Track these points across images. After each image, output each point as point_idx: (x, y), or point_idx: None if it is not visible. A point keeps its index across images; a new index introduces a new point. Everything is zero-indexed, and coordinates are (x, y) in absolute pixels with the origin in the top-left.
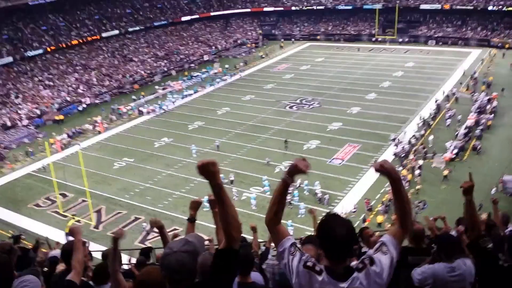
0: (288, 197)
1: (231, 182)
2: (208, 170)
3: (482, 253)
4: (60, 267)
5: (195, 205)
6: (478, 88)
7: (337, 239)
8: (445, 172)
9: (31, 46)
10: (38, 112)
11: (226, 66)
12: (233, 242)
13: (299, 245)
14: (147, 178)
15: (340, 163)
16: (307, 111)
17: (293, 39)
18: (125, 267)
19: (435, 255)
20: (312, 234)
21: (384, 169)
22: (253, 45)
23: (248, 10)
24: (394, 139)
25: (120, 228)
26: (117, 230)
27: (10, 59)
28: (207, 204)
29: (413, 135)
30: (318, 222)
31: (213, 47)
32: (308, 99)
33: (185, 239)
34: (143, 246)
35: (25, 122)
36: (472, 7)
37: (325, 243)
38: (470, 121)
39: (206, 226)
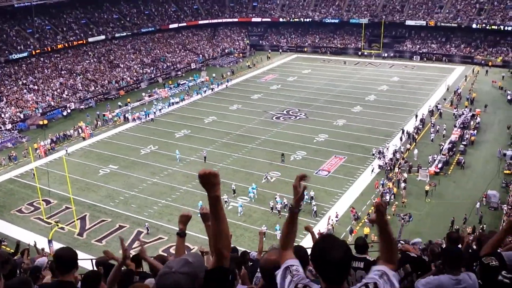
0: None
1: (234, 191)
2: (209, 181)
3: (486, 270)
4: (47, 275)
5: (185, 219)
6: (461, 104)
7: (332, 262)
8: (427, 187)
9: (15, 48)
10: (22, 116)
11: (213, 75)
12: (223, 260)
13: (295, 267)
14: (132, 186)
15: (326, 175)
16: (294, 122)
17: (280, 50)
18: None
19: (440, 267)
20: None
21: (380, 213)
22: (241, 54)
23: (236, 20)
24: (374, 154)
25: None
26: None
27: None
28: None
29: (398, 149)
30: (312, 247)
31: (200, 55)
32: (294, 110)
33: (185, 259)
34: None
35: (9, 126)
36: (456, 25)
37: (321, 267)
38: (454, 136)
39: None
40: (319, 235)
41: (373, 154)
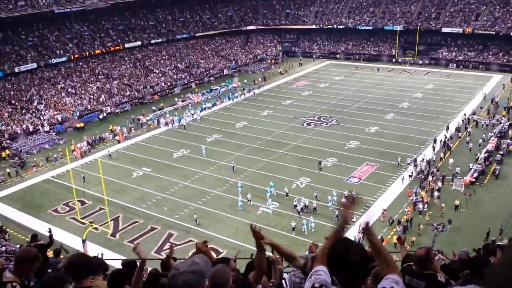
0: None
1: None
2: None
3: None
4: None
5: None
6: (498, 113)
7: (351, 263)
8: (457, 202)
9: (55, 53)
10: (60, 118)
11: (245, 81)
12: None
13: (319, 272)
14: (164, 189)
15: (357, 182)
16: (325, 128)
17: (313, 56)
18: None
19: (467, 277)
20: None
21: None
22: (273, 61)
23: (269, 27)
24: (409, 163)
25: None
26: (141, 253)
27: (34, 65)
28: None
29: (432, 157)
30: (330, 250)
31: (233, 61)
32: (326, 117)
33: (191, 260)
34: (160, 256)
35: (47, 128)
36: (494, 32)
37: (338, 269)
38: (490, 145)
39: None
40: (336, 239)
41: (408, 164)
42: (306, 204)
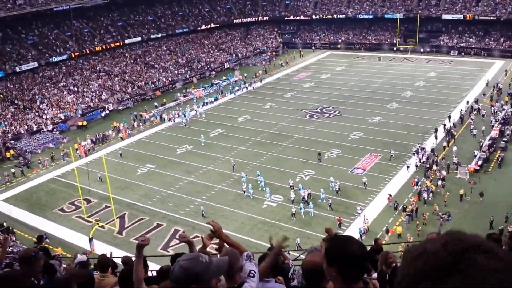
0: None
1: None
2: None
3: None
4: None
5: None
6: (502, 99)
7: (354, 256)
8: (461, 192)
9: (55, 51)
10: (63, 117)
11: (245, 74)
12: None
13: None
14: (169, 185)
15: (361, 173)
16: (328, 120)
17: (313, 47)
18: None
19: None
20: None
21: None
22: (273, 53)
23: (268, 18)
24: (414, 152)
25: (145, 235)
26: (141, 237)
27: (35, 64)
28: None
29: (436, 146)
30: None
31: (234, 55)
32: (328, 108)
33: (197, 255)
34: (166, 252)
35: (50, 127)
36: (495, 18)
37: (342, 262)
38: (494, 132)
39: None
40: (336, 235)
41: (413, 153)
42: (309, 192)
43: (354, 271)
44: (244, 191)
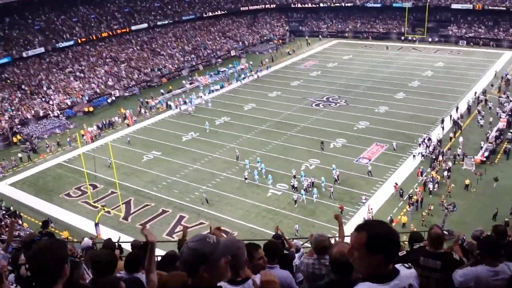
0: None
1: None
2: None
3: None
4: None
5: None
6: (510, 90)
7: (397, 241)
8: (467, 181)
9: (62, 37)
10: (69, 103)
11: (251, 62)
12: None
13: None
14: (175, 172)
15: (367, 163)
16: (334, 109)
17: (320, 36)
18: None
19: (478, 258)
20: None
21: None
22: (280, 41)
23: (276, 6)
24: (420, 143)
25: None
26: (149, 236)
27: (42, 49)
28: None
29: (442, 136)
30: (368, 229)
31: (240, 42)
32: (335, 97)
33: (205, 236)
34: (171, 238)
35: (56, 112)
36: (504, 8)
37: (391, 249)
38: (501, 124)
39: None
40: (369, 222)
41: (419, 144)
42: (313, 181)
43: (397, 253)
44: (246, 178)
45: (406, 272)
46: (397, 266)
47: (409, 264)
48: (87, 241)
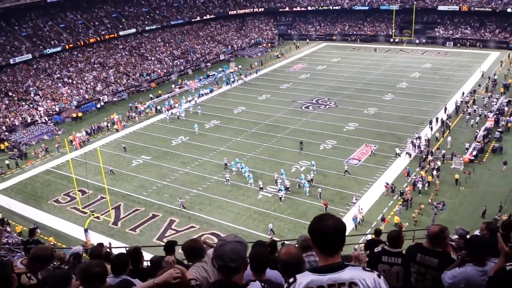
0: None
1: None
2: None
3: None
4: None
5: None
6: (497, 90)
7: (327, 230)
8: (457, 176)
9: (49, 43)
10: (57, 109)
11: (239, 66)
12: None
13: None
14: (164, 176)
15: (357, 164)
16: (323, 111)
17: (307, 39)
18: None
19: (465, 258)
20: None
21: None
22: (269, 44)
23: (264, 10)
24: (412, 142)
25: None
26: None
27: (29, 56)
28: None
29: (431, 136)
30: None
31: (229, 46)
32: (324, 99)
33: (233, 234)
34: (161, 243)
35: (44, 119)
36: (490, 9)
37: (317, 235)
38: (489, 123)
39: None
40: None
41: (412, 143)
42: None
43: (328, 243)
44: (227, 180)
45: (356, 272)
46: (354, 267)
47: (371, 269)
48: (77, 248)
